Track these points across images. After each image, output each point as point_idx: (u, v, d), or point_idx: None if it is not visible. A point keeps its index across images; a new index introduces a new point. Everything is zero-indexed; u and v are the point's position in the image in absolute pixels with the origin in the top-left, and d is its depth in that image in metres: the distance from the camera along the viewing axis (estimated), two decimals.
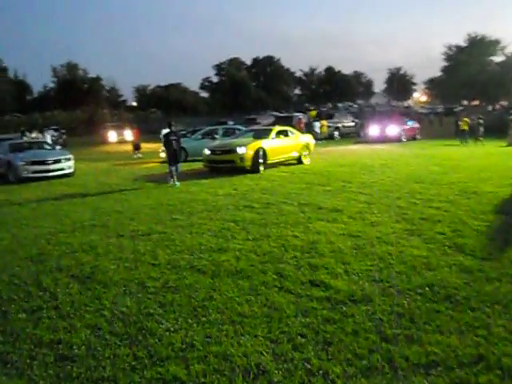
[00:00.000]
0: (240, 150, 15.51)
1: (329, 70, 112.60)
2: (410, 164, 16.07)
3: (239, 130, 22.08)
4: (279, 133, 17.24)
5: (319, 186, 12.05)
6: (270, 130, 17.16)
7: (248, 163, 15.54)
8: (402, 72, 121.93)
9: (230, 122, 44.45)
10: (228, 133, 22.55)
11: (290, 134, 17.80)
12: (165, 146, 14.41)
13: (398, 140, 29.23)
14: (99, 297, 5.30)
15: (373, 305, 4.81)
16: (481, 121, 27.86)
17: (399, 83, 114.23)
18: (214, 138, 20.58)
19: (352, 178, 13.07)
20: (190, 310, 4.86)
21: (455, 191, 10.58)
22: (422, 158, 18.24)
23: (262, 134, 17.10)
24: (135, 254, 6.75)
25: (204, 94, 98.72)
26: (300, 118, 32.49)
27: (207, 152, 16.40)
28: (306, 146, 18.02)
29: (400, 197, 10.13)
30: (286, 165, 17.29)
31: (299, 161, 17.55)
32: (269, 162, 16.18)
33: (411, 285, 5.26)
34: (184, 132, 29.29)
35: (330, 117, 35.87)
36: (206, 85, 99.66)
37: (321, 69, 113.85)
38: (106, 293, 5.39)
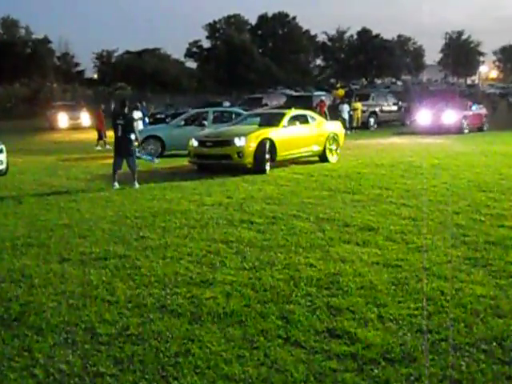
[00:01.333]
0: (238, 142, 15.62)
1: (364, 33, 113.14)
2: (473, 165, 16.02)
3: (238, 114, 22.19)
4: (295, 119, 17.40)
5: (346, 193, 12.04)
6: (282, 115, 17.37)
7: (249, 160, 15.64)
8: (464, 37, 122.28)
9: (226, 103, 44.69)
10: (222, 118, 22.68)
11: (310, 120, 17.99)
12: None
13: (457, 131, 29.24)
14: (30, 348, 5.19)
15: (417, 367, 4.69)
16: None
17: (460, 53, 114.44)
18: (202, 125, 20.63)
19: (392, 184, 13.02)
20: (156, 370, 4.75)
21: None
22: (492, 156, 18.22)
23: (271, 121, 17.28)
24: (84, 286, 6.67)
25: (191, 64, 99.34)
26: (322, 100, 32.55)
27: (194, 144, 16.51)
28: (334, 138, 18.15)
29: (459, 211, 10.07)
30: (303, 163, 17.38)
31: (323, 157, 17.74)
32: (279, 158, 16.36)
33: (472, 338, 5.14)
34: (162, 115, 29.45)
35: (364, 98, 35.92)
36: (193, 51, 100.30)
37: (353, 31, 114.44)
38: (40, 342, 5.29)
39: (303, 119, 17.87)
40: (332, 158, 17.91)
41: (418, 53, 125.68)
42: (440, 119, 29.98)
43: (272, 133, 16.25)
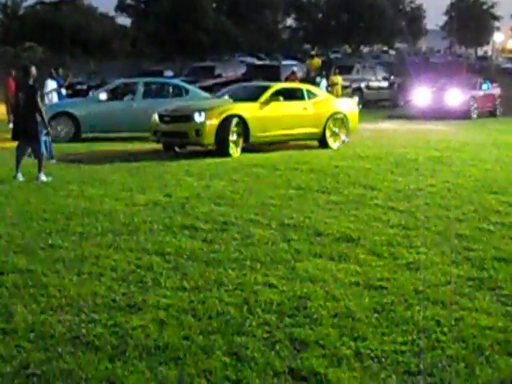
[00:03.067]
0: (198, 118, 16.62)
1: None
2: (482, 160, 16.26)
3: (178, 87, 22.42)
4: (283, 94, 18.36)
5: (319, 193, 12.08)
6: (264, 89, 18.58)
7: (208, 139, 16.78)
8: None
9: (168, 73, 44.57)
10: (157, 92, 22.71)
11: (307, 96, 18.89)
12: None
13: (464, 116, 29.68)
14: None
15: None
16: None
17: (470, 16, 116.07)
18: (123, 99, 20.87)
19: (379, 182, 13.11)
20: None
21: None
22: (506, 149, 18.53)
23: (250, 95, 18.46)
24: None
25: (124, 21, 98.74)
26: (293, 71, 32.73)
27: (156, 119, 17.82)
28: (340, 120, 19.00)
29: (462, 218, 10.17)
30: (295, 147, 18.09)
31: (322, 142, 18.72)
32: (254, 140, 17.41)
33: (474, 382, 5.17)
34: (84, 86, 29.04)
35: (345, 70, 36.19)
36: (127, 4, 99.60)
37: None
38: None
39: (296, 94, 18.88)
40: (333, 143, 18.76)
41: (417, 14, 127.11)
42: (442, 100, 30.35)
43: (244, 109, 17.22)
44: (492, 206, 10.98)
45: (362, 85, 36.00)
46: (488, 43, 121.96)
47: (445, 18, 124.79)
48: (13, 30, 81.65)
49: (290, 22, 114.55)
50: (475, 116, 30.23)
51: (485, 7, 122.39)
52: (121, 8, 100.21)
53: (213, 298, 6.84)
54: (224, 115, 16.84)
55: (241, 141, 17.24)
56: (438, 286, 7.19)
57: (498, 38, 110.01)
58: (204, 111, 16.88)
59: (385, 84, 37.72)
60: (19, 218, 10.22)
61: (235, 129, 16.98)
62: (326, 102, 19.43)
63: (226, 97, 19.37)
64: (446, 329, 6.10)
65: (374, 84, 36.90)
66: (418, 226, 9.65)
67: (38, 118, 13.84)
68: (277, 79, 30.11)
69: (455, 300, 6.79)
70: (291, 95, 18.82)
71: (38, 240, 8.98)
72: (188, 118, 16.97)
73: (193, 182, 13.34)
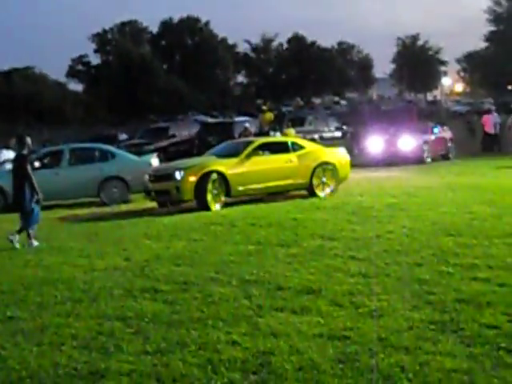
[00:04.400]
0: (178, 176, 17.81)
1: (296, 40, 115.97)
2: (438, 203, 16.41)
3: (105, 151, 22.72)
4: (266, 148, 19.52)
5: (278, 246, 12.10)
6: (247, 145, 19.75)
7: (187, 196, 17.88)
8: (420, 43, 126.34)
9: (123, 136, 44.62)
10: (85, 157, 22.71)
11: (292, 148, 19.73)
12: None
13: (417, 160, 30.00)
14: None
15: None
16: None
17: (417, 63, 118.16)
18: (53, 168, 21.21)
19: (337, 232, 13.15)
20: None
21: None
22: (460, 191, 18.70)
23: (233, 151, 19.59)
24: None
25: (75, 86, 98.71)
26: (246, 127, 32.89)
27: (146, 178, 19.02)
28: (328, 169, 19.66)
29: (422, 262, 10.22)
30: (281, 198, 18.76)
31: (310, 191, 19.35)
32: (235, 193, 18.28)
33: None
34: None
35: (298, 122, 36.51)
36: (77, 70, 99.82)
37: (282, 39, 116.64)
38: None
39: (281, 148, 19.85)
40: (321, 191, 19.31)
41: (366, 64, 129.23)
42: (395, 146, 30.69)
43: (223, 165, 18.21)
44: (450, 249, 11.04)
45: (316, 136, 36.30)
46: (437, 88, 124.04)
47: (393, 65, 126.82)
48: None
49: (240, 78, 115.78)
50: (429, 160, 30.57)
51: (430, 53, 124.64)
52: (71, 74, 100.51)
53: (176, 360, 6.77)
54: (202, 172, 17.81)
55: (222, 195, 18.09)
56: (401, 332, 7.18)
57: (445, 82, 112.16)
58: (183, 169, 17.91)
59: (338, 134, 38.16)
60: None
61: (214, 184, 17.84)
62: (312, 153, 20.02)
63: (210, 155, 20.21)
64: (411, 375, 6.09)
65: (328, 135, 37.31)
66: (378, 273, 9.66)
67: (28, 188, 14.10)
68: (230, 136, 30.39)
69: (419, 345, 6.78)
70: (276, 149, 19.76)
71: None
72: (169, 176, 18.04)
73: (151, 244, 13.28)
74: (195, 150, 33.82)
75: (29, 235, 14.09)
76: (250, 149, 19.14)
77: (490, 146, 35.67)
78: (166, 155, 36.13)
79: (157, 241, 13.57)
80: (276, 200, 19.09)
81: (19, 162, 14.50)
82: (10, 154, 24.68)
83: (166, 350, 7.08)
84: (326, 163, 19.81)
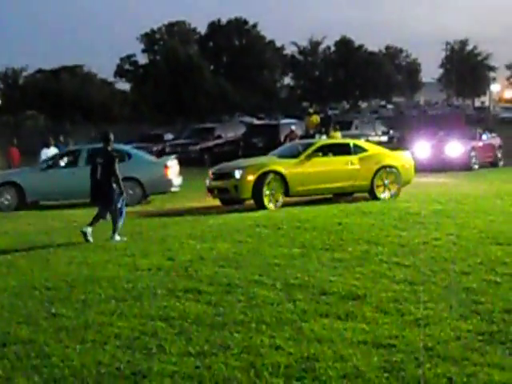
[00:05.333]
0: (237, 175, 18.45)
1: (343, 44, 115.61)
2: (486, 211, 16.22)
3: (123, 152, 22.54)
4: (327, 149, 20.11)
5: (323, 250, 12.06)
6: (307, 146, 20.18)
7: (246, 194, 18.43)
8: (469, 48, 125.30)
9: (169, 136, 44.85)
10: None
11: (353, 151, 20.10)
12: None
13: (465, 167, 29.75)
14: None
15: None
16: None
17: (465, 68, 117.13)
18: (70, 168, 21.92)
19: (383, 237, 13.08)
20: None
21: None
22: (508, 199, 18.49)
23: (293, 152, 20.13)
24: None
25: (123, 86, 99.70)
26: (292, 130, 32.84)
27: (209, 176, 19.83)
28: (389, 172, 19.89)
29: (469, 271, 10.11)
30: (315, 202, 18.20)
31: (371, 193, 19.67)
32: (294, 193, 18.79)
33: None
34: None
35: (344, 126, 36.33)
36: (126, 69, 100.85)
37: (329, 42, 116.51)
38: None
39: (342, 150, 20.24)
40: (382, 194, 19.62)
41: (413, 68, 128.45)
42: (442, 152, 30.47)
43: (282, 165, 18.73)
44: (498, 258, 10.90)
45: (362, 140, 36.11)
46: (485, 94, 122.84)
47: (441, 70, 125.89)
48: (13, 99, 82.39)
49: (287, 80, 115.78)
50: (476, 167, 30.32)
51: (479, 58, 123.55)
52: (120, 73, 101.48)
53: (219, 362, 6.74)
54: (261, 171, 18.35)
55: (280, 195, 18.55)
56: (448, 342, 7.09)
57: (494, 88, 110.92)
58: (243, 168, 18.61)
59: (384, 138, 37.88)
60: (22, 288, 10.17)
61: (272, 184, 18.36)
62: (375, 156, 20.25)
63: (272, 155, 20.78)
64: None
65: (374, 139, 36.97)
66: (424, 281, 9.57)
67: (114, 183, 14.52)
68: (276, 138, 30.41)
69: (466, 355, 6.69)
70: (337, 151, 20.16)
71: (41, 309, 8.91)
72: (229, 175, 18.74)
73: (196, 244, 13.28)
74: (240, 151, 33.92)
75: (114, 230, 14.37)
76: (310, 150, 19.56)
77: None
78: (211, 156, 36.32)
79: (201, 241, 13.57)
80: (320, 204, 19.01)
81: (107, 158, 14.77)
82: (49, 153, 25.02)
83: (209, 352, 7.05)
84: (389, 166, 20.02)
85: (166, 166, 21.98)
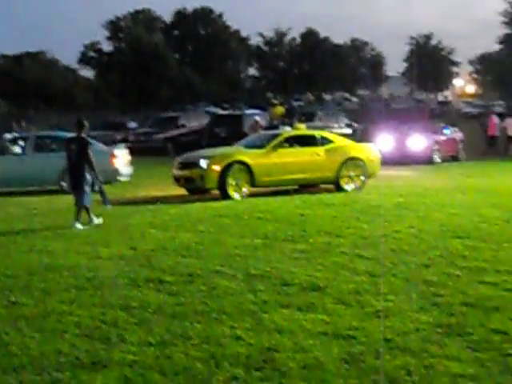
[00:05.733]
0: (203, 164, 18.33)
1: (309, 35, 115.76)
2: (447, 204, 16.37)
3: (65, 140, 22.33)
4: (294, 141, 20.26)
5: (285, 242, 12.05)
6: (274, 137, 20.32)
7: (211, 184, 18.46)
8: (433, 43, 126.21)
9: (132, 124, 44.58)
10: (47, 145, 22.82)
11: (320, 142, 20.18)
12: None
13: (426, 161, 29.92)
14: None
15: None
16: None
17: (429, 62, 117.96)
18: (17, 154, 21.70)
19: (344, 229, 13.13)
20: None
21: None
22: (470, 193, 18.67)
23: (260, 142, 20.22)
24: None
25: (87, 73, 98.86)
26: (257, 120, 32.75)
27: (175, 165, 19.75)
28: (355, 164, 19.97)
29: (429, 263, 10.18)
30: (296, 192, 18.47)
31: (336, 185, 19.74)
32: (259, 184, 18.78)
33: None
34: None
35: (308, 118, 36.40)
36: (90, 56, 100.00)
37: (295, 33, 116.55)
38: None
39: (309, 141, 20.35)
40: (348, 186, 19.67)
41: (378, 62, 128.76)
42: (405, 146, 30.60)
43: (248, 156, 18.74)
44: (458, 251, 10.99)
45: (326, 132, 36.23)
46: (448, 88, 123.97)
47: (405, 64, 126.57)
48: None
49: (252, 71, 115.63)
50: (438, 161, 30.51)
51: (443, 53, 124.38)
52: (84, 60, 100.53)
53: (179, 352, 6.74)
54: (227, 162, 18.38)
55: (246, 185, 18.59)
56: (407, 334, 7.14)
57: (457, 83, 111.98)
58: (209, 158, 18.56)
59: (348, 131, 38.03)
60: None
61: (237, 174, 18.39)
62: (341, 148, 20.43)
63: (239, 145, 20.88)
64: (416, 378, 6.05)
65: (337, 131, 37.06)
66: (385, 273, 9.60)
67: (87, 170, 14.57)
68: (240, 128, 30.38)
69: (425, 347, 6.75)
70: (304, 142, 20.28)
71: (0, 297, 8.83)
72: (195, 164, 18.65)
73: (158, 233, 13.22)
74: (204, 140, 33.82)
75: (89, 213, 14.47)
76: (276, 141, 19.67)
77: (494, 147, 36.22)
78: (174, 145, 36.19)
79: (163, 231, 13.51)
80: (284, 195, 19.02)
81: (80, 145, 14.68)
82: (11, 135, 24.91)
83: (169, 342, 7.05)
84: (355, 158, 20.10)
85: (112, 155, 21.58)
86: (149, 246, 12.02)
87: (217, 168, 18.24)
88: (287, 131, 22.05)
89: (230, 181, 18.27)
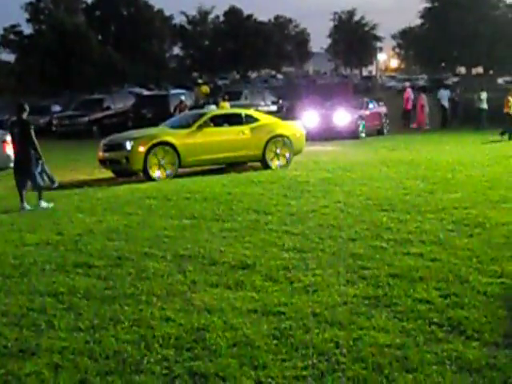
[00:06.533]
0: (128, 146, 18.28)
1: (232, 14, 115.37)
2: (372, 178, 16.56)
3: None
4: (219, 119, 20.38)
5: (213, 221, 12.07)
6: (199, 117, 20.22)
7: (137, 166, 18.27)
8: (356, 18, 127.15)
9: (56, 107, 43.81)
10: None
11: (246, 121, 20.28)
12: None
13: (352, 135, 30.18)
14: None
15: None
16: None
17: (353, 38, 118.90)
18: None
19: (272, 206, 13.17)
20: None
21: (448, 224, 10.97)
22: (394, 166, 18.89)
23: (185, 122, 20.21)
24: None
25: (7, 57, 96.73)
26: (182, 100, 32.62)
27: (101, 147, 19.46)
28: (281, 142, 20.12)
29: (355, 237, 10.32)
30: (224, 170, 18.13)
31: (263, 163, 19.89)
32: (185, 164, 19.01)
33: None
34: None
35: (234, 96, 36.35)
36: (10, 39, 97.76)
37: (218, 12, 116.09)
38: None
39: (234, 120, 20.40)
40: (274, 163, 19.84)
41: (302, 38, 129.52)
42: (330, 121, 30.81)
43: (173, 136, 18.69)
44: (383, 224, 11.16)
45: (252, 110, 36.27)
46: (372, 63, 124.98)
47: (329, 40, 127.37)
48: None
49: (176, 50, 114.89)
50: (363, 135, 30.81)
51: (366, 28, 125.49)
52: (4, 43, 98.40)
53: (109, 336, 6.71)
54: (152, 143, 18.23)
55: (172, 166, 18.45)
56: (335, 307, 7.24)
57: (381, 57, 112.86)
58: (134, 140, 18.39)
59: (274, 108, 38.10)
60: None
61: (163, 155, 18.28)
62: (266, 126, 20.45)
63: (164, 126, 20.71)
64: (345, 350, 6.15)
65: (263, 108, 37.13)
66: (313, 248, 9.71)
67: (32, 151, 14.46)
68: (165, 108, 30.21)
69: (352, 320, 6.86)
70: (229, 121, 20.34)
71: None
72: (120, 146, 18.46)
73: (85, 217, 13.04)
74: (130, 122, 33.54)
75: (40, 197, 14.49)
76: (201, 120, 19.56)
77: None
78: (100, 127, 35.78)
79: (90, 215, 13.33)
80: (211, 174, 19.01)
81: (22, 127, 14.62)
82: None
83: (99, 326, 7.02)
84: (280, 136, 20.17)
85: (4, 141, 21.00)
86: (76, 230, 11.84)
87: (142, 149, 18.11)
88: (212, 110, 22.06)
89: (156, 162, 18.22)
